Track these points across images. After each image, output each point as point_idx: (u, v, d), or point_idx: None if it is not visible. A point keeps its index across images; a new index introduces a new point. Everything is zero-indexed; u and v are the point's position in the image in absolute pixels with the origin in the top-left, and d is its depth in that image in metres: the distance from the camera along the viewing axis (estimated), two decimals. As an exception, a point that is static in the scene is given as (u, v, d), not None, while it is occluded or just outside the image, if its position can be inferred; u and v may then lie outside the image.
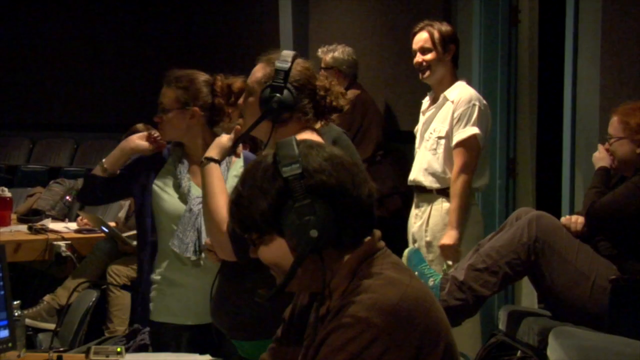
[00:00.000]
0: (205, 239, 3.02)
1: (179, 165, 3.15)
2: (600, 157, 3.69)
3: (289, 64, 2.59)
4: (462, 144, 4.09)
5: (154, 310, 3.23)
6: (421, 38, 4.20)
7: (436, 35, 4.16)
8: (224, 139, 2.64)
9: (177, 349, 3.08)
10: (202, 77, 3.16)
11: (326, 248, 1.75)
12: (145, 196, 3.21)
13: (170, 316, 3.18)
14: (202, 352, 2.83)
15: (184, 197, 3.12)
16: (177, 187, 3.14)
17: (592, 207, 3.49)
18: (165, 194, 3.17)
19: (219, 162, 2.60)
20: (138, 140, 3.27)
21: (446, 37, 4.17)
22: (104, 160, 3.28)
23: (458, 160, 4.08)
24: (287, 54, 2.63)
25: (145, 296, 3.25)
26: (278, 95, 2.55)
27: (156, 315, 3.22)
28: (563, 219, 3.59)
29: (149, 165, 3.24)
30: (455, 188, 4.06)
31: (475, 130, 4.09)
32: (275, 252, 1.78)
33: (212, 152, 2.61)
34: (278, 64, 2.59)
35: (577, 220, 3.53)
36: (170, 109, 3.11)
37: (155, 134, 3.26)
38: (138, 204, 3.28)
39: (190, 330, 3.15)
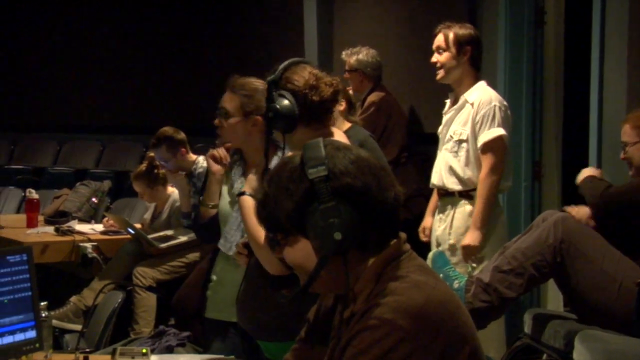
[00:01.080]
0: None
1: (234, 169, 3.17)
2: (587, 171, 3.73)
3: (276, 74, 2.67)
4: (488, 145, 4.08)
5: (207, 307, 3.28)
6: (437, 39, 4.22)
7: (451, 36, 4.16)
8: (252, 175, 2.81)
9: (228, 345, 3.10)
10: (262, 85, 3.18)
11: (350, 250, 1.75)
12: None
13: (217, 312, 3.23)
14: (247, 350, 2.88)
15: (234, 200, 3.14)
16: (230, 189, 3.16)
17: (601, 195, 3.48)
18: (223, 195, 3.21)
19: (252, 195, 2.74)
20: (212, 167, 3.32)
21: (461, 39, 4.16)
22: (206, 200, 3.30)
23: (486, 162, 4.07)
24: (282, 65, 2.70)
25: (204, 293, 3.32)
26: (275, 105, 2.63)
27: (207, 311, 3.28)
28: (568, 207, 3.60)
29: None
30: (482, 189, 4.06)
31: (500, 131, 4.08)
32: (300, 253, 1.78)
33: (245, 188, 2.80)
34: (268, 77, 2.68)
35: (580, 210, 3.55)
36: (233, 115, 3.11)
37: (217, 153, 3.29)
38: None
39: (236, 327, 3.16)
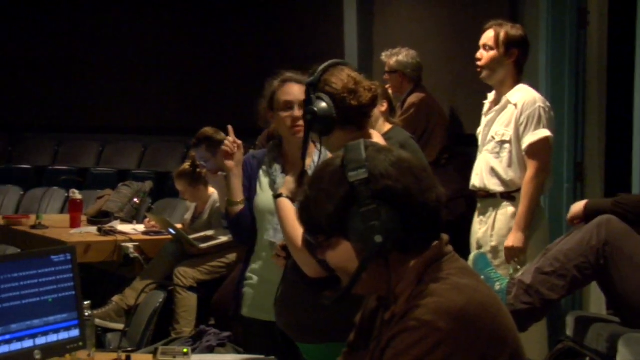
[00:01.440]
0: None
1: (274, 165, 3.17)
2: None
3: (315, 76, 2.66)
4: (534, 147, 4.05)
5: (245, 306, 3.26)
6: (487, 35, 4.19)
7: (501, 35, 4.13)
8: (290, 177, 2.83)
9: (267, 345, 3.09)
10: None
11: (392, 252, 1.75)
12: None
13: (261, 313, 3.20)
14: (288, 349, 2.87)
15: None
16: (272, 185, 3.16)
17: None
18: (261, 192, 3.20)
19: (289, 197, 2.77)
20: (226, 164, 3.22)
21: (511, 40, 4.13)
22: (231, 198, 3.22)
23: (532, 164, 4.05)
24: (321, 66, 2.69)
25: (239, 292, 3.29)
26: (313, 108, 2.64)
27: (247, 311, 3.26)
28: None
29: (254, 171, 3.26)
30: (527, 191, 4.03)
31: (546, 132, 4.06)
32: (342, 255, 1.78)
33: (282, 190, 2.81)
34: (307, 79, 2.69)
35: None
36: None
37: (227, 148, 3.19)
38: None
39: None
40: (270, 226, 3.12)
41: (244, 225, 3.21)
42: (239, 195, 3.19)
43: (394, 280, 1.77)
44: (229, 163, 3.17)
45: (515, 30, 4.16)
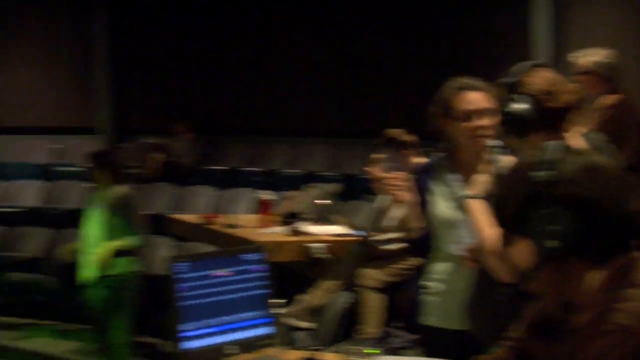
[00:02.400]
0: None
1: (449, 174, 3.15)
2: None
3: (515, 77, 2.63)
4: None
5: (424, 314, 3.25)
6: None
7: None
8: (481, 178, 2.82)
9: (449, 352, 3.05)
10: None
11: (571, 257, 1.70)
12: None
13: (442, 321, 3.18)
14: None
15: (457, 205, 3.11)
16: (449, 194, 3.14)
17: None
18: (437, 203, 3.17)
19: (480, 197, 2.75)
20: (404, 197, 3.19)
21: None
22: (412, 226, 3.24)
23: None
24: (519, 67, 2.65)
25: (416, 300, 3.28)
26: (511, 109, 2.61)
27: (426, 319, 3.24)
28: None
29: (425, 183, 3.24)
30: None
31: None
32: (519, 253, 1.75)
33: (474, 190, 2.80)
34: (505, 79, 2.66)
35: None
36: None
37: (395, 182, 3.18)
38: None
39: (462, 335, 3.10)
40: (451, 239, 3.08)
41: (424, 246, 3.22)
42: (419, 221, 3.18)
43: (573, 285, 1.72)
44: (404, 195, 3.15)
45: None
